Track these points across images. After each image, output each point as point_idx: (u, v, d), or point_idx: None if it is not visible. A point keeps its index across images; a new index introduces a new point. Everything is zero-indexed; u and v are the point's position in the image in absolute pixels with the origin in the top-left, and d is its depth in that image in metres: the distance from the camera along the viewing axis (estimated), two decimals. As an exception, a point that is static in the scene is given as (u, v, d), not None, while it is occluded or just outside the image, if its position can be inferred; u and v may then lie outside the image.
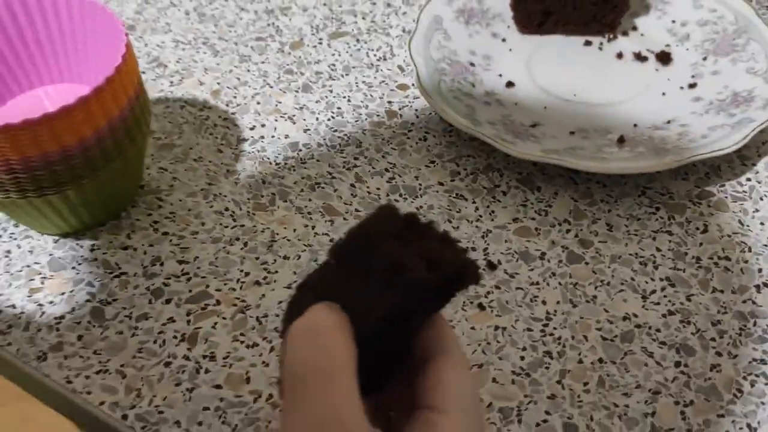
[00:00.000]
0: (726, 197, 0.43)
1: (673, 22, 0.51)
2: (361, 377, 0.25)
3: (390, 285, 0.24)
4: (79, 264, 0.40)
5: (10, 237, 0.42)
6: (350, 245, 0.26)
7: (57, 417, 0.36)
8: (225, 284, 0.39)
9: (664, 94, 0.47)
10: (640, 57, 0.49)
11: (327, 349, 0.23)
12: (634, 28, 0.52)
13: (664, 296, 0.38)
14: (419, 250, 0.24)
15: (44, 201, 0.36)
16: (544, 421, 0.34)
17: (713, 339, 0.36)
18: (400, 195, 0.43)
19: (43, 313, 0.38)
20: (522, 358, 0.36)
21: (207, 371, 0.36)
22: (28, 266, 0.40)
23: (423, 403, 0.25)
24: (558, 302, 0.38)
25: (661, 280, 0.39)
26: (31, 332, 0.37)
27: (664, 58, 0.49)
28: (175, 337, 0.37)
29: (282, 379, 0.24)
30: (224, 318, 0.38)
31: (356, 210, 0.42)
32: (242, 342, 0.37)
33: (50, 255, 0.41)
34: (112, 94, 0.36)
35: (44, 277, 0.40)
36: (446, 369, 0.25)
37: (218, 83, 0.50)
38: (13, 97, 0.42)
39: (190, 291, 0.39)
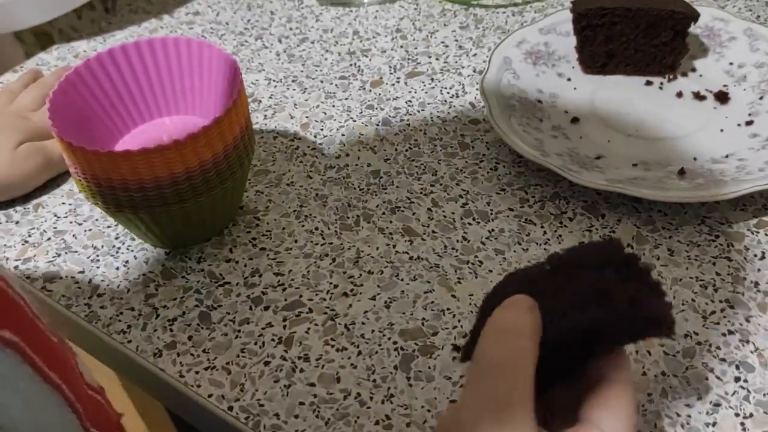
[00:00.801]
0: (783, 227, 0.45)
1: (731, 64, 0.54)
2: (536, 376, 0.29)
3: (591, 306, 0.28)
4: (188, 274, 0.45)
5: (128, 249, 0.47)
6: (569, 259, 0.30)
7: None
8: (316, 294, 0.44)
9: (722, 130, 0.50)
10: (699, 96, 0.53)
11: (520, 350, 0.27)
12: (693, 70, 0.55)
13: (724, 317, 0.41)
14: (629, 287, 0.28)
15: (166, 214, 0.42)
16: (611, 426, 0.37)
17: (772, 358, 0.39)
18: (473, 219, 0.47)
19: (158, 315, 0.43)
20: (589, 368, 0.39)
21: (302, 371, 0.40)
22: (144, 275, 0.46)
23: (588, 417, 0.28)
24: (622, 319, 0.41)
25: (721, 302, 0.42)
26: (148, 332, 0.42)
27: (722, 97, 0.52)
28: (273, 339, 0.42)
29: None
30: (316, 324, 0.42)
31: (433, 231, 0.47)
32: (332, 346, 0.41)
33: (163, 266, 0.46)
34: (228, 123, 0.41)
35: (158, 285, 0.45)
36: (617, 396, 0.28)
37: (307, 117, 0.56)
38: (136, 127, 0.48)
39: (286, 300, 0.43)
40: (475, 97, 0.56)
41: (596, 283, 0.29)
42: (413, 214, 0.48)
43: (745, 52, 0.55)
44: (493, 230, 0.46)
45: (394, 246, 0.46)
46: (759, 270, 0.43)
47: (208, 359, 0.41)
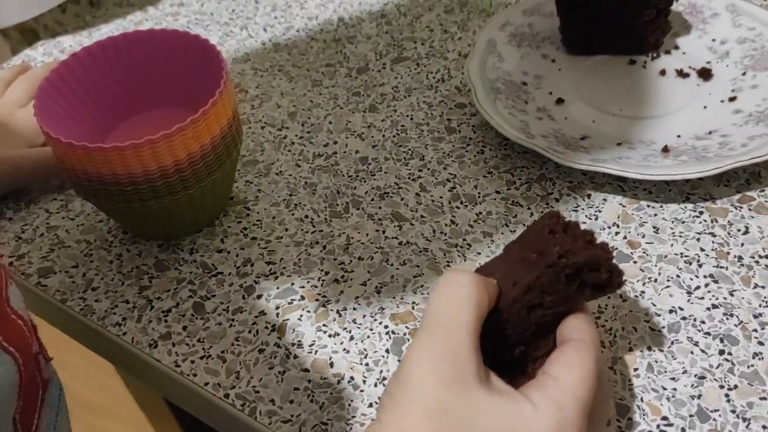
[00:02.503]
0: (766, 201, 0.46)
1: (713, 40, 0.55)
2: (502, 342, 0.32)
3: (532, 267, 0.31)
4: (181, 265, 0.46)
5: (121, 243, 0.48)
6: (516, 240, 0.34)
7: (125, 428, 0.41)
8: (308, 282, 0.44)
9: (705, 107, 0.50)
10: (682, 74, 0.53)
11: (460, 298, 0.29)
12: (676, 47, 0.56)
13: (708, 291, 0.42)
14: (561, 245, 0.30)
15: (160, 207, 0.42)
16: (598, 401, 0.37)
17: (755, 330, 0.40)
18: (461, 202, 0.48)
19: (153, 307, 0.44)
20: (577, 346, 0.40)
21: (295, 357, 0.41)
22: (137, 267, 0.46)
23: (545, 371, 0.30)
24: (609, 297, 0.42)
25: (705, 277, 0.42)
26: (143, 323, 0.43)
27: (705, 74, 0.53)
28: (266, 327, 0.42)
29: None
30: (308, 311, 0.43)
31: (421, 216, 0.47)
32: (325, 332, 0.42)
33: (156, 258, 0.46)
34: (215, 114, 0.41)
35: (151, 277, 0.45)
36: (572, 347, 0.31)
37: (294, 105, 0.56)
38: (125, 120, 0.49)
39: (278, 288, 0.44)
40: (461, 81, 0.57)
41: (533, 246, 0.32)
42: (402, 199, 0.48)
43: (728, 28, 0.55)
44: (480, 213, 0.47)
45: (384, 231, 0.47)
46: (742, 245, 0.44)
47: (203, 348, 0.41)
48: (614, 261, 0.33)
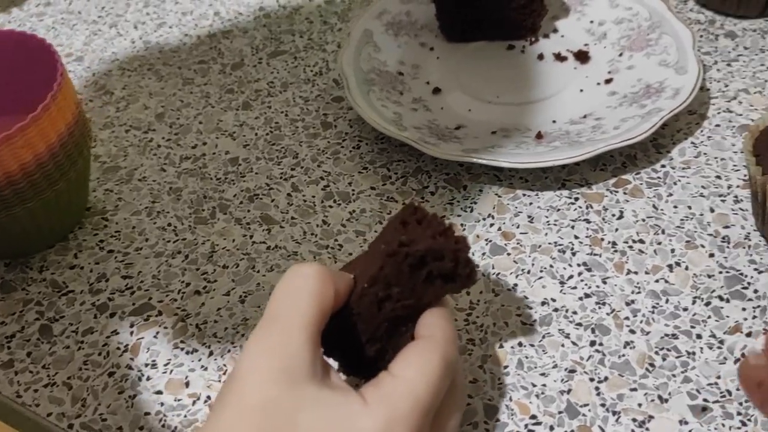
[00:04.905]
0: (641, 184, 0.45)
1: (591, 22, 0.54)
2: (357, 339, 0.30)
3: (378, 258, 0.29)
4: (29, 285, 0.42)
5: (-37, 264, 0.44)
6: (380, 235, 0.32)
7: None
8: (167, 295, 0.41)
9: (581, 90, 0.49)
10: (559, 57, 0.52)
11: (300, 290, 0.28)
12: (555, 31, 0.54)
13: (581, 280, 0.40)
14: (407, 234, 0.29)
15: (-12, 226, 0.39)
16: (467, 404, 0.36)
17: (627, 318, 0.39)
18: (334, 201, 0.45)
19: (-6, 333, 0.40)
20: (447, 346, 0.38)
21: (149, 378, 0.38)
22: (-21, 290, 0.42)
23: (389, 369, 0.28)
24: (481, 292, 0.40)
25: (579, 265, 0.41)
26: (-17, 352, 0.39)
27: (582, 56, 0.51)
28: (118, 348, 0.39)
29: None
30: (165, 327, 0.40)
31: (292, 218, 0.45)
32: (182, 349, 0.39)
33: (1, 278, 0.43)
34: (50, 120, 0.38)
35: (-5, 300, 0.42)
36: (417, 345, 0.29)
37: (162, 106, 0.53)
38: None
39: (134, 304, 0.41)
40: (339, 74, 0.54)
41: (382, 239, 0.30)
42: (272, 200, 0.46)
43: (605, 8, 0.54)
44: (354, 211, 0.45)
45: (251, 236, 0.44)
46: (617, 230, 0.43)
47: (48, 375, 0.38)
48: (464, 252, 0.30)
